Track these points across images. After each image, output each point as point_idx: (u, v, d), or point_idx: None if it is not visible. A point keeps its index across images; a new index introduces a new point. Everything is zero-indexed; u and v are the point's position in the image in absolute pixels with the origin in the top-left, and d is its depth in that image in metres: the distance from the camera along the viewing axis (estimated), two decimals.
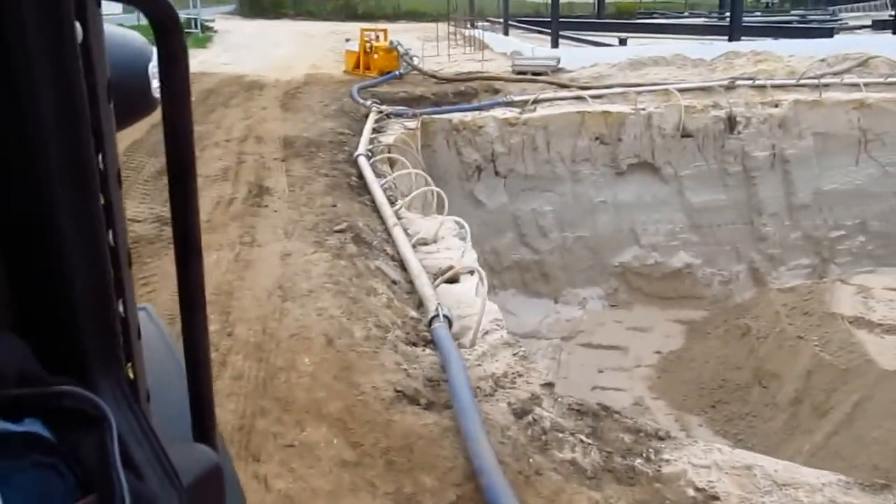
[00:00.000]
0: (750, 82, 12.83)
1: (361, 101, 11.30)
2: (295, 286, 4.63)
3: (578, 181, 12.27)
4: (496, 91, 12.82)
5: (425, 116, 11.36)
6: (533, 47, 15.21)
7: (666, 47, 14.87)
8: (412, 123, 10.88)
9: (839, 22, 18.51)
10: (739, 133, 12.36)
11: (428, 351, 4.06)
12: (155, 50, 0.80)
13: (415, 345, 4.19)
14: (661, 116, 12.23)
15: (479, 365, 4.02)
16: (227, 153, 7.88)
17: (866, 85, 12.67)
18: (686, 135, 12.32)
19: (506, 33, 18.45)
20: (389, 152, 8.93)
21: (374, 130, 9.68)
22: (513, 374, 3.92)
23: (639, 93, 12.59)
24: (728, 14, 17.34)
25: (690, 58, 14.12)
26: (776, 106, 12.43)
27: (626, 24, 16.50)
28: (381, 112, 10.72)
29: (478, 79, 12.94)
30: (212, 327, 3.97)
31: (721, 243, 12.59)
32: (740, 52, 14.10)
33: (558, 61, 13.74)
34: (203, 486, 0.78)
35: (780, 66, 13.52)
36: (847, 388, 8.26)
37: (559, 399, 3.46)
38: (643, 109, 12.22)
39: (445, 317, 4.43)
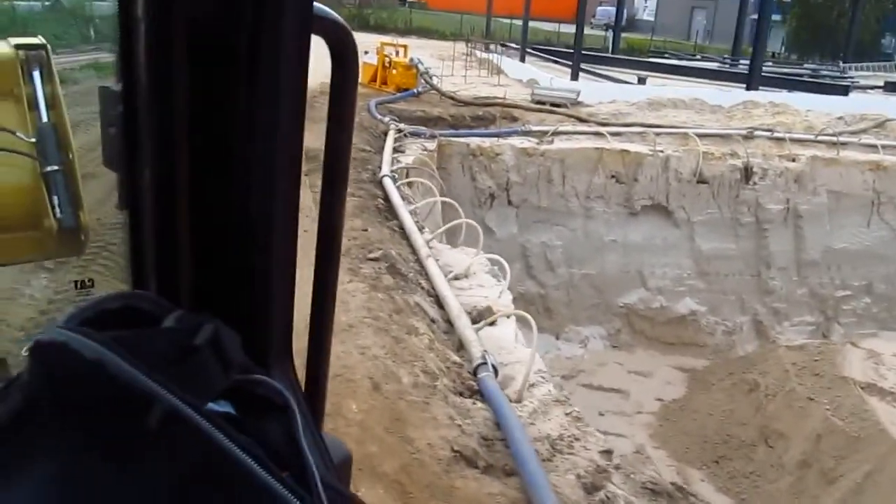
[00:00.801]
0: (768, 134, 12.76)
1: (380, 117, 11.07)
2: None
3: (591, 218, 12.11)
4: (514, 119, 12.65)
5: (442, 138, 11.16)
6: (551, 77, 15.09)
7: (685, 90, 14.80)
8: (430, 144, 10.67)
9: (851, 79, 18.61)
10: (755, 184, 12.28)
11: (479, 404, 3.82)
12: None
13: (462, 395, 3.94)
14: (678, 160, 12.12)
15: (532, 424, 3.78)
16: None
17: (884, 147, 12.65)
18: (702, 181, 12.21)
19: (522, 60, 18.33)
20: (408, 175, 8.71)
21: (395, 150, 9.45)
22: (569, 437, 3.68)
23: (658, 134, 12.46)
24: (744, 61, 17.38)
25: (709, 103, 14.05)
26: (793, 160, 12.37)
27: (644, 62, 16.42)
28: (399, 130, 10.50)
29: (496, 105, 12.76)
30: None
31: (727, 293, 12.46)
32: (758, 103, 14.05)
33: (578, 94, 13.61)
34: (341, 470, 0.86)
35: (798, 120, 13.47)
36: (858, 456, 8.09)
37: (631, 475, 3.22)
38: (661, 152, 12.10)
39: (493, 366, 4.19)
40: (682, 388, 11.02)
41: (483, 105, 12.71)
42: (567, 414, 3.94)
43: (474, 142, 11.55)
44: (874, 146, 12.68)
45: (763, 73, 16.52)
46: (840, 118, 13.78)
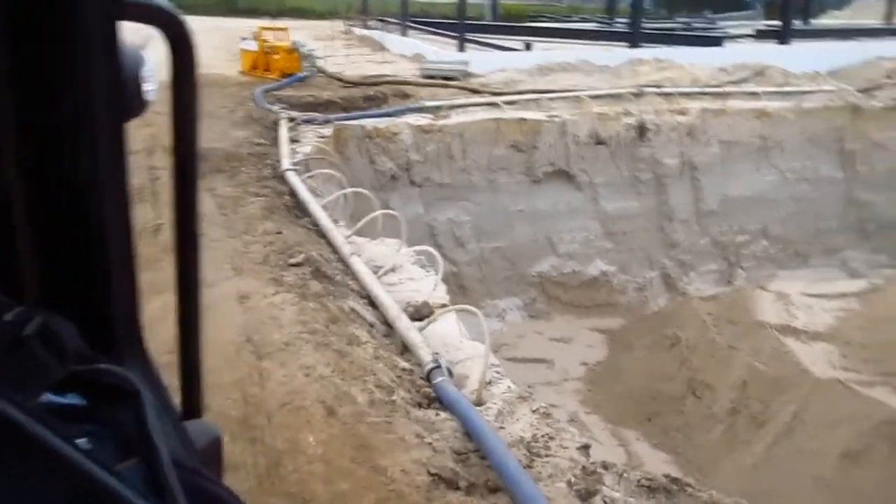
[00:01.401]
0: (657, 90, 12.92)
1: (268, 106, 10.48)
2: (266, 338, 3.95)
3: (495, 190, 11.95)
4: (406, 96, 12.29)
5: (337, 123, 10.68)
6: (437, 50, 14.77)
7: (571, 53, 14.80)
8: (325, 130, 10.19)
9: (721, 30, 19.19)
10: (650, 141, 12.42)
11: (442, 414, 3.53)
12: (145, 54, 0.82)
13: (421, 406, 3.64)
14: (574, 124, 12.11)
15: (501, 428, 3.52)
16: (136, 168, 6.95)
17: (765, 94, 13.04)
18: (599, 142, 12.26)
19: (404, 34, 17.91)
20: (309, 166, 8.25)
21: (290, 140, 8.94)
22: (543, 437, 3.45)
23: (551, 99, 12.41)
24: (619, 20, 17.58)
25: (596, 64, 14.11)
26: (684, 114, 12.58)
27: (526, 28, 16.33)
28: (291, 119, 9.97)
29: (387, 83, 12.36)
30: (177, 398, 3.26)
31: (634, 250, 12.62)
32: (644, 60, 14.21)
33: (468, 66, 13.36)
34: (209, 455, 0.89)
35: (683, 75, 13.71)
36: (783, 398, 8.31)
37: (624, 474, 3.01)
38: (557, 117, 12.05)
39: (447, 369, 3.91)
40: (604, 350, 11.09)
41: (373, 84, 12.28)
42: (534, 411, 3.70)
43: (369, 123, 11.12)
44: (756, 94, 13.05)
45: (646, 31, 16.75)
46: (721, 69, 14.12)
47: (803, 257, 13.17)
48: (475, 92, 12.52)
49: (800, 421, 8.04)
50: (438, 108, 11.60)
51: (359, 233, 6.64)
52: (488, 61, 14.09)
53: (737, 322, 9.52)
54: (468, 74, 13.20)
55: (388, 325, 4.64)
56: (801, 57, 15.18)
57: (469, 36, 15.27)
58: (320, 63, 12.65)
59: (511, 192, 12.04)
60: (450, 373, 3.92)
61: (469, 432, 3.36)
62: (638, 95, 12.82)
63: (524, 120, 11.88)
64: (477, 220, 11.90)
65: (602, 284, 12.37)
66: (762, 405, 8.40)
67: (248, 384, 3.53)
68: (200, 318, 1.01)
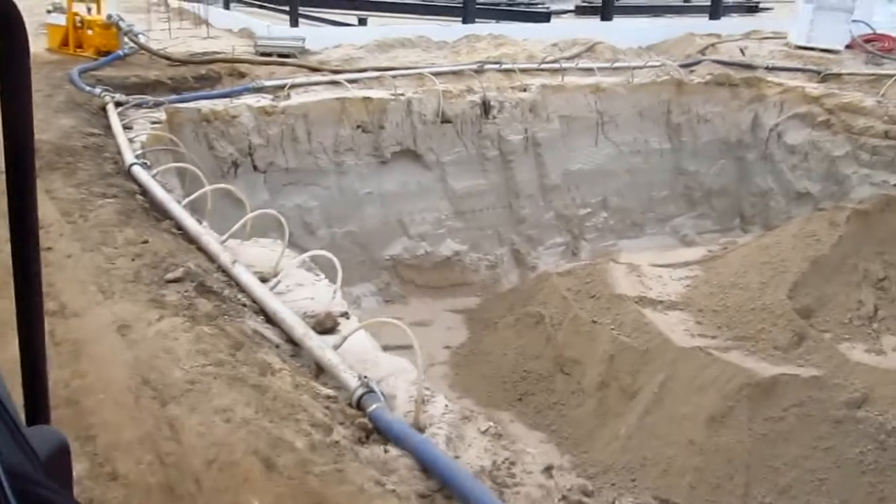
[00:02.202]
0: (497, 66, 12.92)
1: (89, 89, 9.34)
2: (166, 376, 3.37)
3: (343, 173, 11.47)
4: (242, 75, 11.47)
5: (170, 106, 9.74)
6: (268, 25, 13.89)
7: (408, 28, 14.45)
8: (158, 115, 9.26)
9: (544, 6, 19.62)
10: (495, 118, 12.41)
11: (392, 451, 3.15)
12: None
13: (362, 441, 3.25)
14: (420, 102, 11.85)
15: (456, 457, 3.21)
16: None
17: (599, 69, 13.42)
18: (446, 120, 12.09)
19: (227, 7, 16.73)
20: (153, 159, 7.40)
21: (124, 128, 8.00)
22: (503, 463, 3.18)
23: (394, 77, 12.05)
24: None
25: (433, 39, 13.87)
26: (525, 90, 12.66)
27: (359, 2, 15.80)
28: (119, 103, 8.96)
29: (220, 61, 11.44)
30: (79, 465, 2.67)
31: (484, 228, 12.62)
32: (480, 36, 14.16)
33: (304, 41, 12.66)
34: (55, 461, 0.85)
35: (518, 50, 13.81)
36: (650, 368, 8.59)
37: (616, 501, 2.79)
38: (402, 95, 11.73)
39: (381, 393, 3.54)
40: (465, 332, 11.03)
41: (204, 63, 11.33)
42: (483, 432, 3.43)
43: (205, 106, 10.26)
44: (590, 69, 13.38)
45: (479, 6, 16.69)
46: (554, 45, 14.36)
47: (639, 227, 13.77)
48: (315, 70, 11.91)
49: (668, 389, 8.34)
50: (280, 87, 10.91)
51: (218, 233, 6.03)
52: (323, 37, 13.44)
53: (597, 296, 9.73)
54: (305, 51, 12.52)
55: (293, 344, 4.16)
56: (623, 32, 15.81)
57: (300, 10, 14.51)
58: (142, 39, 11.48)
59: (359, 175, 11.61)
60: (383, 396, 3.55)
61: (427, 468, 3.02)
62: (479, 72, 12.76)
63: (369, 99, 11.45)
64: (326, 205, 11.38)
65: (455, 264, 12.28)
66: (630, 377, 8.64)
67: (160, 439, 2.98)
68: (42, 320, 0.99)
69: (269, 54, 12.11)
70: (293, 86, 10.86)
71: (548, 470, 3.17)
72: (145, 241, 4.80)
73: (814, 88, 13.55)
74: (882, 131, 12.44)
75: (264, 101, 10.79)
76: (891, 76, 13.10)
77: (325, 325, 4.39)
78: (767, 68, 14.37)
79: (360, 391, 3.50)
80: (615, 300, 9.49)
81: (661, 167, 13.97)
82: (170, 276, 4.36)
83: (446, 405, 3.64)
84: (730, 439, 7.78)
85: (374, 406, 3.41)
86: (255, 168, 10.79)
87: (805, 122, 13.42)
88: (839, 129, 12.97)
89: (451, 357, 10.36)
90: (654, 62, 13.96)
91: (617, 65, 13.73)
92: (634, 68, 13.59)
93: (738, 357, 8.34)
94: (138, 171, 6.43)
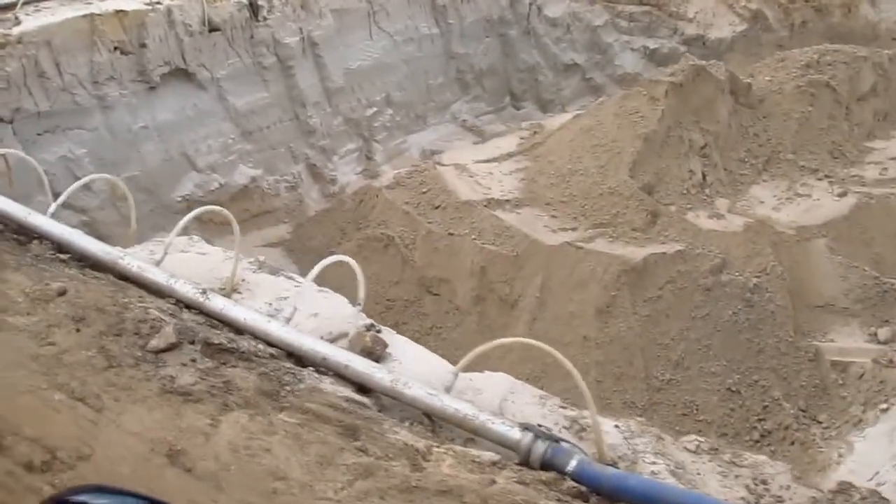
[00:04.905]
0: None
1: None
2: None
3: (109, 108, 9.47)
4: None
5: None
6: None
7: None
8: None
9: None
10: (265, 19, 10.93)
11: None
12: None
13: None
14: (182, 10, 10.01)
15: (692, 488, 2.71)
16: None
17: None
18: (214, 29, 10.39)
19: None
20: None
21: None
22: (755, 486, 2.74)
23: None
24: None
25: None
26: None
27: None
28: None
29: None
30: None
31: (275, 146, 11.35)
32: None
33: None
34: None
35: None
36: (524, 273, 8.45)
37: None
38: (159, 3, 9.80)
39: (569, 441, 2.87)
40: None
41: None
42: (693, 450, 2.92)
43: None
44: None
45: None
46: None
47: (422, 118, 13.33)
48: None
49: (548, 291, 8.29)
50: (5, 9, 8.50)
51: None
52: None
53: (441, 206, 9.27)
54: None
55: (364, 392, 3.22)
56: None
57: None
58: None
59: (128, 107, 9.66)
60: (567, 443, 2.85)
61: None
62: None
63: (124, 12, 9.40)
64: (96, 150, 9.37)
65: (253, 192, 10.98)
66: (507, 286, 8.45)
67: None
68: None
69: None
70: (29, 2, 8.51)
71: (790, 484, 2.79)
72: (62, 293, 3.34)
73: None
74: None
75: None
76: None
77: (374, 352, 3.48)
78: None
79: (540, 447, 2.76)
80: (464, 207, 9.11)
81: (433, 53, 13.49)
82: (154, 342, 3.08)
83: (616, 425, 3.05)
84: (620, 327, 8.00)
85: (573, 462, 2.69)
86: None
87: None
88: None
89: None
90: None
91: None
92: None
93: (604, 245, 8.48)
94: None
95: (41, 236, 4.10)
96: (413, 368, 3.41)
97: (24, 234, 4.16)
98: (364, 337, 3.52)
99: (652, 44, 12.99)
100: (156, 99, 9.96)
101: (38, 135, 8.86)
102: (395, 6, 12.68)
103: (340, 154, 12.07)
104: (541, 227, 8.76)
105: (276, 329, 3.41)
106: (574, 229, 8.73)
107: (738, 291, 8.09)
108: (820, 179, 9.52)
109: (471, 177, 9.74)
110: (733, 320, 8.00)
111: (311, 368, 3.25)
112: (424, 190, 9.57)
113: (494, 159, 10.29)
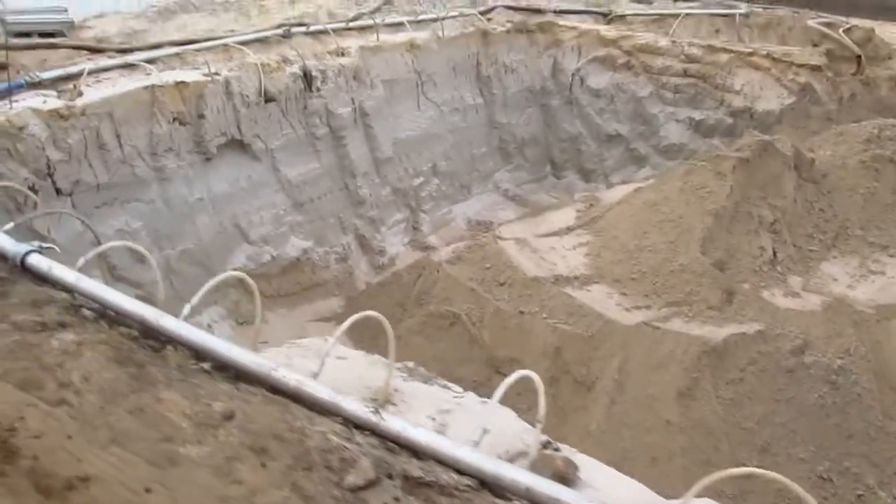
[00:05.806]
0: (305, 29, 11.27)
1: None
2: None
3: (166, 179, 9.24)
4: (2, 67, 8.59)
5: None
6: None
7: None
8: None
9: None
10: (318, 90, 10.83)
11: None
12: None
13: None
14: (239, 81, 9.89)
15: None
16: None
17: (410, 23, 12.34)
18: (270, 99, 10.27)
19: None
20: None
21: None
22: None
23: (197, 51, 9.92)
24: None
25: (217, 0, 11.67)
26: (343, 54, 11.20)
27: None
28: None
29: None
30: None
31: (325, 217, 11.14)
32: None
33: (68, 13, 9.82)
34: None
35: (315, 8, 12.18)
36: (601, 354, 8.14)
37: None
38: (217, 75, 9.68)
39: None
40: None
41: None
42: None
43: None
44: (401, 24, 12.26)
45: None
46: None
47: (467, 188, 13.19)
48: (96, 51, 9.34)
49: (626, 373, 7.96)
50: (69, 78, 8.37)
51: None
52: (82, 5, 10.58)
53: (507, 282, 9.00)
54: (73, 26, 9.74)
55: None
56: None
57: None
58: None
59: (185, 178, 9.45)
60: None
61: None
62: (286, 37, 11.02)
63: (184, 84, 9.27)
64: (152, 223, 9.12)
65: (304, 265, 10.72)
66: (584, 367, 8.12)
67: None
68: None
69: (28, 34, 9.21)
70: (91, 72, 8.36)
71: None
72: (229, 416, 3.03)
73: (607, 31, 13.76)
74: (681, 70, 13.04)
75: (52, 100, 8.20)
76: (674, 15, 13.71)
77: (568, 476, 3.17)
78: (555, 12, 14.31)
79: None
80: (532, 284, 8.84)
81: (477, 123, 13.43)
82: (351, 479, 2.76)
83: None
84: (704, 411, 7.65)
85: None
86: (58, 192, 8.21)
87: (606, 66, 13.64)
88: (640, 70, 13.36)
89: None
90: (455, 12, 13.19)
91: (421, 17, 12.73)
92: (439, 19, 12.69)
93: (681, 325, 8.19)
94: (41, 261, 4.29)
95: (174, 341, 3.79)
96: (615, 496, 3.09)
97: (155, 339, 3.85)
98: (554, 460, 3.21)
99: (698, 115, 12.92)
100: (211, 170, 9.78)
101: (97, 207, 8.61)
102: (442, 76, 12.64)
103: (388, 224, 11.87)
104: (613, 306, 8.48)
105: (466, 455, 3.10)
106: (648, 307, 8.46)
107: (823, 373, 7.79)
108: (892, 256, 9.32)
109: (534, 252, 9.50)
110: (819, 404, 7.67)
111: (515, 500, 2.94)
112: (487, 265, 9.31)
113: (555, 233, 10.06)
